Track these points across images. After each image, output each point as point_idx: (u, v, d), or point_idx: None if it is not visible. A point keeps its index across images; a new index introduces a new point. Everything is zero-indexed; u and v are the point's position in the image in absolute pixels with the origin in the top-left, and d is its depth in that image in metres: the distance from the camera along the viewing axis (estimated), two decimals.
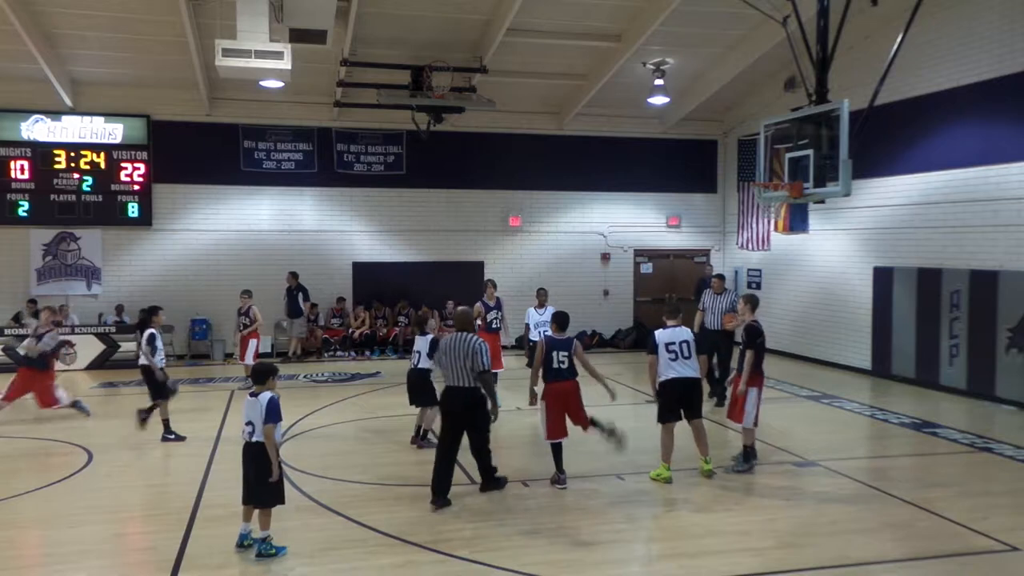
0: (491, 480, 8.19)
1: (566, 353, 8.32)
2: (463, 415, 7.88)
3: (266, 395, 6.52)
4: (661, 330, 8.70)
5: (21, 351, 11.71)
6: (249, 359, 13.66)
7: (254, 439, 6.49)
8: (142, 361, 10.48)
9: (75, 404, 11.75)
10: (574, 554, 6.58)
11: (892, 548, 6.74)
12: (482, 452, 8.12)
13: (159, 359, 10.43)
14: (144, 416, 10.49)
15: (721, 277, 13.07)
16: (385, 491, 8.23)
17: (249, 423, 6.53)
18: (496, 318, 12.40)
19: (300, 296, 17.31)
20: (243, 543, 6.64)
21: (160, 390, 10.43)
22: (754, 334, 8.87)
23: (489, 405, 7.91)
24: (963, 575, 6.27)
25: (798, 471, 8.95)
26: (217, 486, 8.42)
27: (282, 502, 6.66)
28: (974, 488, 8.50)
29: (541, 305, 12.53)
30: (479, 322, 12.46)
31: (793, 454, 9.53)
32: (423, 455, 9.64)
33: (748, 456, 8.86)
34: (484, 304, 12.48)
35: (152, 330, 10.45)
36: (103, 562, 6.48)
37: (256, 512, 6.61)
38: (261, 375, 6.69)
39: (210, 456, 9.57)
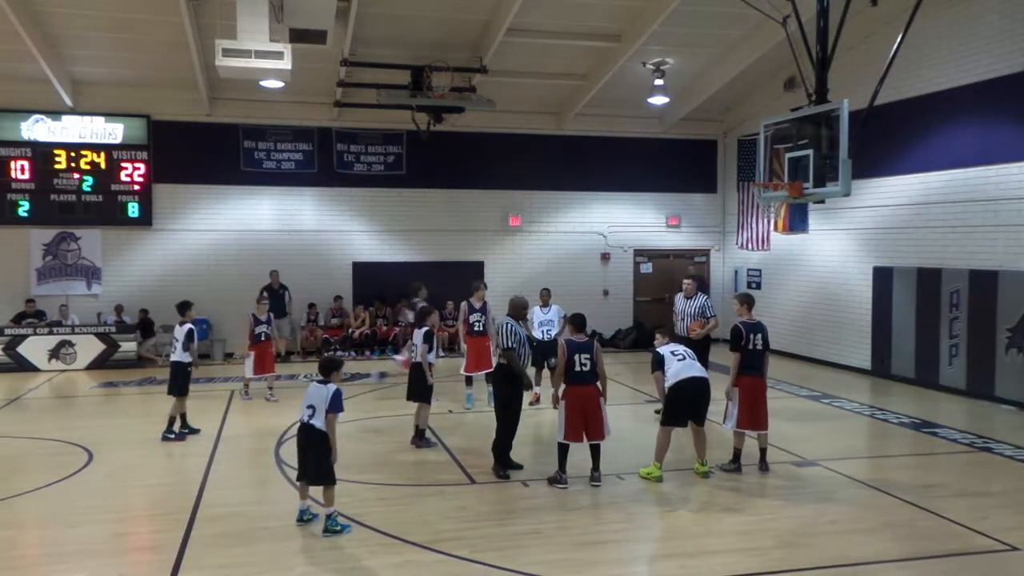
0: (503, 462, 8.63)
1: (588, 355, 8.23)
2: (498, 388, 8.81)
3: (332, 386, 7.04)
4: (662, 347, 8.80)
5: None
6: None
7: (312, 421, 6.93)
8: (175, 357, 10.46)
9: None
10: (574, 554, 6.58)
11: (892, 548, 6.74)
12: (508, 434, 8.61)
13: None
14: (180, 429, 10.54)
15: (694, 279, 12.34)
16: (385, 491, 8.22)
17: (311, 407, 6.99)
18: (479, 321, 11.95)
19: (286, 296, 17.31)
20: (303, 518, 7.11)
21: (183, 387, 10.45)
22: (734, 336, 8.81)
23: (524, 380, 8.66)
24: (963, 575, 6.28)
25: (798, 471, 8.95)
26: (217, 486, 8.42)
27: (335, 481, 7.00)
28: (974, 488, 8.51)
29: (545, 304, 12.46)
30: (462, 324, 12.21)
31: (793, 454, 9.53)
32: (423, 455, 9.65)
33: (735, 458, 8.86)
34: (469, 305, 12.03)
35: (190, 326, 10.51)
36: (103, 562, 6.47)
37: (318, 490, 7.06)
38: (328, 369, 7.20)
39: (210, 456, 9.57)
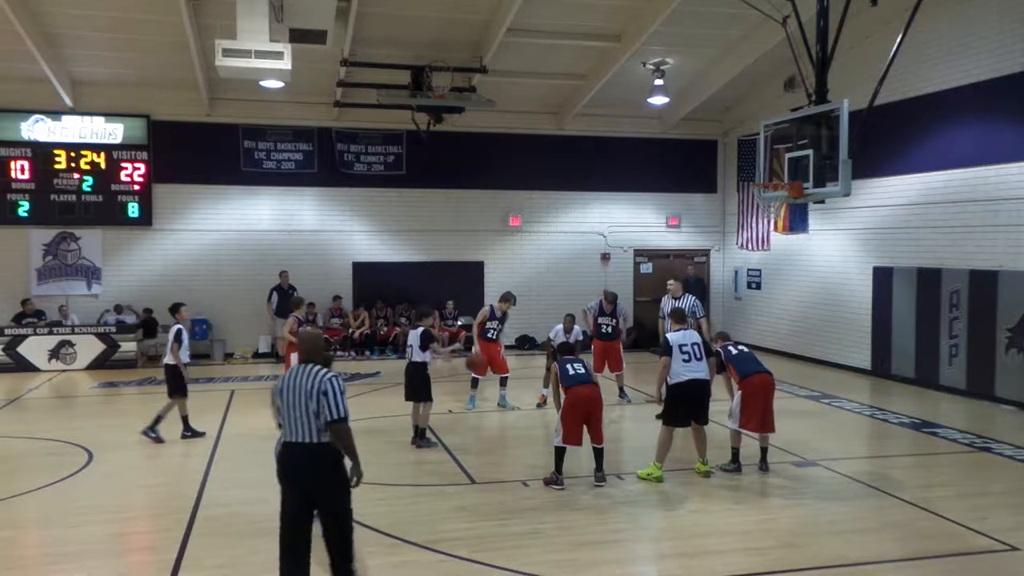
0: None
1: (580, 363, 8.48)
2: (307, 485, 5.29)
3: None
4: (672, 332, 8.77)
5: None
6: None
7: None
8: (167, 360, 10.44)
9: None
10: (574, 554, 6.58)
11: (892, 548, 6.74)
12: (342, 542, 5.31)
13: (184, 356, 10.50)
14: (153, 431, 10.38)
15: (680, 279, 12.52)
16: (385, 491, 8.22)
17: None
18: (495, 328, 12.24)
19: (294, 296, 17.27)
20: None
21: (181, 387, 10.46)
22: (722, 359, 8.98)
23: (349, 468, 5.36)
24: (963, 575, 6.28)
25: (798, 471, 8.95)
26: (217, 486, 8.41)
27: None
28: (974, 488, 8.51)
29: (568, 331, 12.25)
30: (475, 326, 12.42)
31: (793, 454, 9.53)
32: (423, 455, 9.66)
33: (734, 458, 8.86)
34: (491, 310, 12.29)
35: (179, 326, 10.50)
36: (103, 562, 6.48)
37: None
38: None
39: (210, 456, 9.56)
